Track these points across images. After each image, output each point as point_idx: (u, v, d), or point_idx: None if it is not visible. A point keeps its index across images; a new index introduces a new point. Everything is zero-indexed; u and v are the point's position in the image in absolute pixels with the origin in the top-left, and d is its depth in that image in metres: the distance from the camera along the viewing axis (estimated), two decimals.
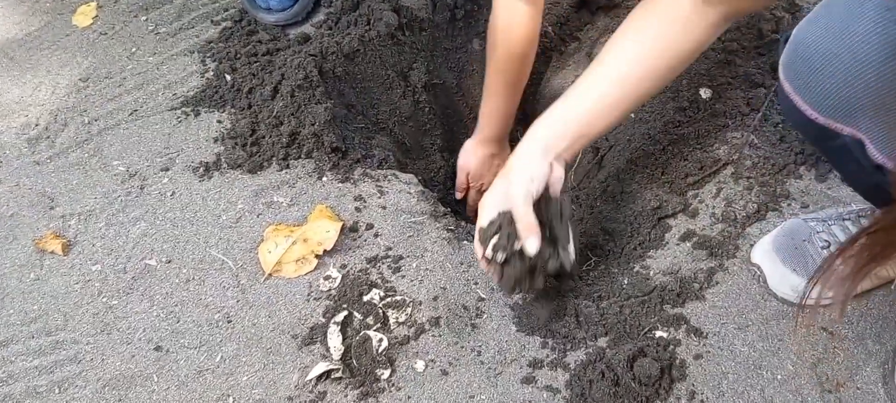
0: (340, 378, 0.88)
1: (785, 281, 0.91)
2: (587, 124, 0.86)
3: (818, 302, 0.83)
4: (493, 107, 1.17)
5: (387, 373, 0.89)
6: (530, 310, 0.95)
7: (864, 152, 0.66)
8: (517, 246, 0.84)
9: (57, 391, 0.91)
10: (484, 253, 0.87)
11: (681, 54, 0.84)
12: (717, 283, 0.95)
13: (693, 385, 0.86)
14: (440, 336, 0.92)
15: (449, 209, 1.16)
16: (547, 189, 0.86)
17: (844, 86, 0.62)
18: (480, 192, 1.29)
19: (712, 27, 0.82)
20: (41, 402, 0.90)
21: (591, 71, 0.87)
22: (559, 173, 0.87)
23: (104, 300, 0.98)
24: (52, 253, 1.03)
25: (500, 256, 0.85)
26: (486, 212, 0.87)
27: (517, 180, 0.84)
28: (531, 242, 0.82)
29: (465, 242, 1.07)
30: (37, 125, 1.19)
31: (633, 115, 1.19)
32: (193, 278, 1.00)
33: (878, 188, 0.70)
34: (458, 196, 1.31)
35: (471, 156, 1.24)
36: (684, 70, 0.90)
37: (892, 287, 0.90)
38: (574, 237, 0.89)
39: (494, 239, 0.85)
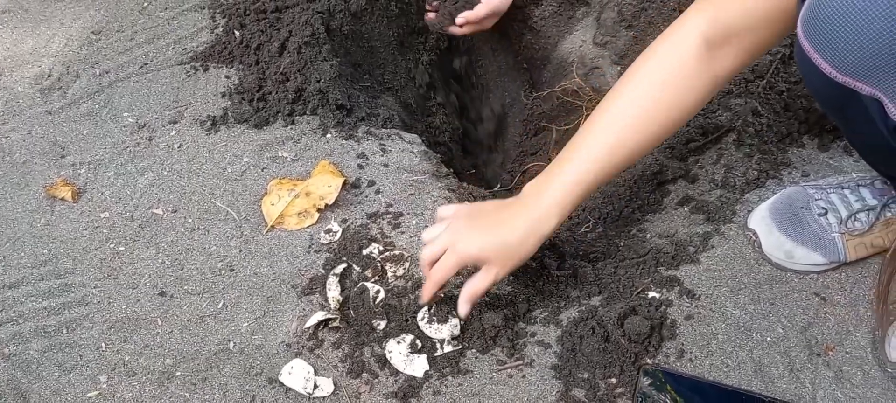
0: (337, 327, 0.89)
1: (779, 247, 0.90)
2: (594, 180, 0.81)
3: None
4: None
5: (383, 324, 0.90)
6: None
7: (882, 113, 0.64)
8: None
9: (65, 331, 0.93)
10: None
11: (683, 110, 0.81)
12: (713, 247, 0.95)
13: (682, 344, 0.86)
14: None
15: (451, 170, 1.16)
16: None
17: (868, 42, 0.60)
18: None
19: (713, 81, 0.79)
20: (49, 341, 0.92)
21: (590, 128, 0.82)
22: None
23: (112, 246, 1.00)
24: (62, 199, 1.05)
25: None
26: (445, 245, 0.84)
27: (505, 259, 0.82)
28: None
29: (466, 202, 1.07)
30: (49, 76, 1.20)
31: None
32: (198, 228, 1.01)
33: (893, 154, 0.68)
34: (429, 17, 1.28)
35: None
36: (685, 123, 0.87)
37: (887, 255, 0.89)
38: None
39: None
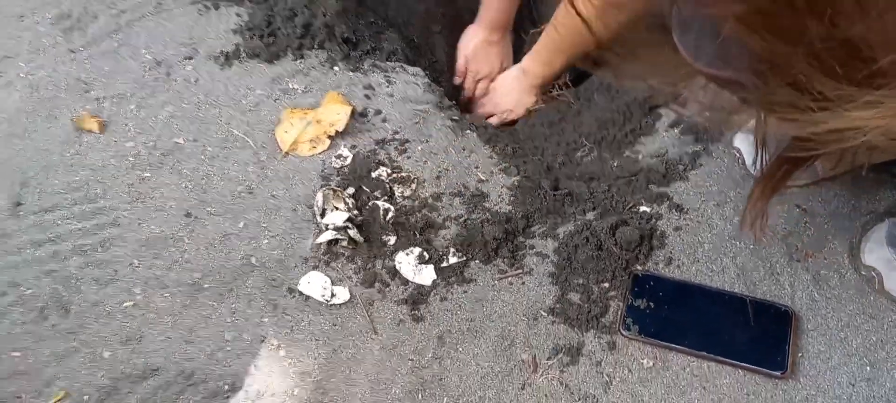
0: (354, 241, 0.95)
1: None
2: (565, 56, 1.08)
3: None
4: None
5: (393, 239, 0.95)
6: None
7: None
8: None
9: (100, 249, 0.99)
10: None
11: None
12: (701, 165, 0.99)
13: (671, 252, 0.91)
14: (441, 208, 0.98)
15: (454, 102, 1.20)
16: None
17: None
18: (476, 80, 1.32)
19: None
20: (86, 259, 0.98)
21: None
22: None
23: (138, 173, 1.05)
24: (89, 131, 1.09)
25: None
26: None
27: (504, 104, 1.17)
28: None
29: (468, 131, 1.11)
30: (70, 16, 1.23)
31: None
32: (218, 155, 1.05)
33: None
34: (456, 81, 1.34)
35: (470, 41, 1.27)
36: None
37: (863, 172, 0.93)
38: None
39: None
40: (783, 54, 0.41)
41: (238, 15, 1.20)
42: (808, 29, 0.38)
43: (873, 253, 0.87)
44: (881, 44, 0.37)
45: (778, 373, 0.79)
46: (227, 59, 1.15)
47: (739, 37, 0.42)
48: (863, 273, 0.87)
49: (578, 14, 0.60)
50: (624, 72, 0.84)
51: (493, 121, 1.26)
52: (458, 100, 1.30)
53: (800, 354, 0.82)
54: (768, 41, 0.40)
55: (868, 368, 0.81)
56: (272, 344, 0.89)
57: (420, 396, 0.85)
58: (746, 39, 0.41)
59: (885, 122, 0.40)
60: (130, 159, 1.06)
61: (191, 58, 1.16)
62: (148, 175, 1.05)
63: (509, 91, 1.24)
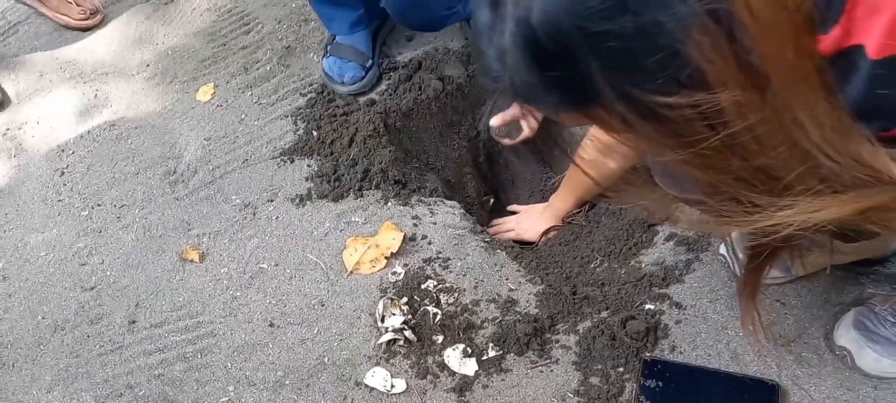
0: (409, 341, 1.14)
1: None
2: (578, 196, 1.32)
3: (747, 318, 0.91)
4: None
5: (441, 338, 1.15)
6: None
7: None
8: None
9: (199, 356, 1.19)
10: None
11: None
12: (694, 270, 1.19)
13: (673, 341, 1.09)
14: (479, 312, 1.18)
15: (485, 228, 1.43)
16: None
17: None
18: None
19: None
20: (188, 364, 1.18)
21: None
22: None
23: (231, 293, 1.28)
24: (191, 261, 1.34)
25: None
26: (504, 231, 1.47)
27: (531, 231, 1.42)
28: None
29: (498, 251, 1.33)
30: (175, 172, 1.53)
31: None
32: (295, 276, 1.28)
33: None
34: (492, 228, 1.54)
35: (534, 224, 1.47)
36: None
37: (826, 271, 1.11)
38: None
39: None
40: (718, 180, 0.59)
41: (309, 165, 1.49)
42: (731, 163, 0.56)
43: (844, 337, 1.03)
44: (782, 167, 0.56)
45: None
46: (302, 200, 1.42)
47: (687, 173, 0.62)
48: (837, 352, 1.03)
49: (580, 167, 0.83)
50: (624, 200, 1.07)
51: (510, 236, 1.48)
52: (488, 228, 1.53)
53: None
54: (706, 173, 0.59)
55: None
56: None
57: None
58: (692, 173, 0.60)
59: (802, 217, 0.58)
60: (224, 282, 1.29)
61: (272, 200, 1.43)
62: (238, 294, 1.27)
63: (536, 220, 1.47)
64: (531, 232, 1.47)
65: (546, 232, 1.45)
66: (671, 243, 1.24)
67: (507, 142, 1.46)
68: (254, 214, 1.41)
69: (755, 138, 0.53)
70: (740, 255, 0.82)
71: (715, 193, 0.62)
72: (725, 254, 1.17)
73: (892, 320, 1.00)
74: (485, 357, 1.11)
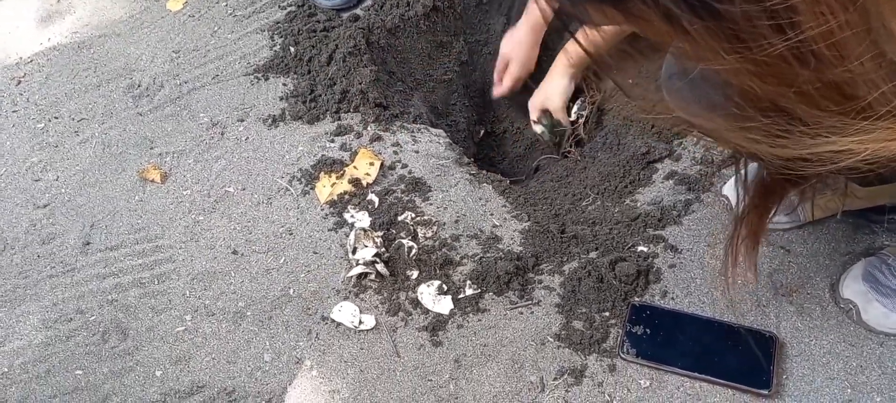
0: (381, 275, 1.05)
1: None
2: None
3: (734, 268, 0.83)
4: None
5: (415, 274, 1.05)
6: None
7: None
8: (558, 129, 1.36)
9: (156, 282, 1.10)
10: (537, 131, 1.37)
11: None
12: (693, 212, 1.08)
13: (666, 286, 1.00)
14: (459, 248, 1.08)
15: (471, 159, 1.32)
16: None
17: None
18: (514, 77, 1.39)
19: None
20: (144, 290, 1.10)
21: None
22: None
23: (193, 217, 1.18)
24: (152, 181, 1.23)
25: (547, 135, 1.37)
26: (534, 111, 1.36)
27: (553, 93, 1.32)
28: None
29: (484, 184, 1.23)
30: (139, 85, 1.40)
31: (629, 79, 1.33)
32: (263, 201, 1.18)
33: None
34: (496, 92, 1.42)
35: (512, 36, 1.36)
36: None
37: (837, 216, 1.01)
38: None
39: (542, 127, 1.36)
40: (776, 94, 0.48)
41: (284, 84, 1.36)
42: (797, 75, 0.45)
43: (851, 288, 0.94)
44: (862, 84, 0.45)
45: (763, 392, 0.85)
46: (274, 120, 1.30)
47: (728, 83, 0.50)
48: (842, 305, 0.94)
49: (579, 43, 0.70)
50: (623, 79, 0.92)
51: (535, 110, 1.37)
52: (477, 158, 1.42)
53: (785, 377, 0.89)
54: (764, 84, 0.47)
55: (849, 390, 0.87)
56: (306, 366, 0.98)
57: None
58: (741, 83, 0.49)
59: (875, 146, 0.48)
60: (187, 205, 1.19)
61: (242, 120, 1.31)
62: (201, 218, 1.17)
63: (550, 80, 1.35)
64: (555, 95, 1.34)
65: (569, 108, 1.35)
66: (671, 182, 1.14)
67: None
68: (222, 134, 1.29)
69: (833, 46, 0.43)
70: (741, 191, 0.71)
71: (764, 110, 0.51)
72: (728, 195, 1.06)
73: None
74: (461, 296, 1.02)
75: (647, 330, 0.93)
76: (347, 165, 1.21)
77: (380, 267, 1.04)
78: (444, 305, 1.01)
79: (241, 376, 0.98)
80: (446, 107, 1.49)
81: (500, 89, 1.42)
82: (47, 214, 1.21)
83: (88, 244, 1.16)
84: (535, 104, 1.38)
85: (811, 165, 0.51)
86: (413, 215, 1.13)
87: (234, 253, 1.12)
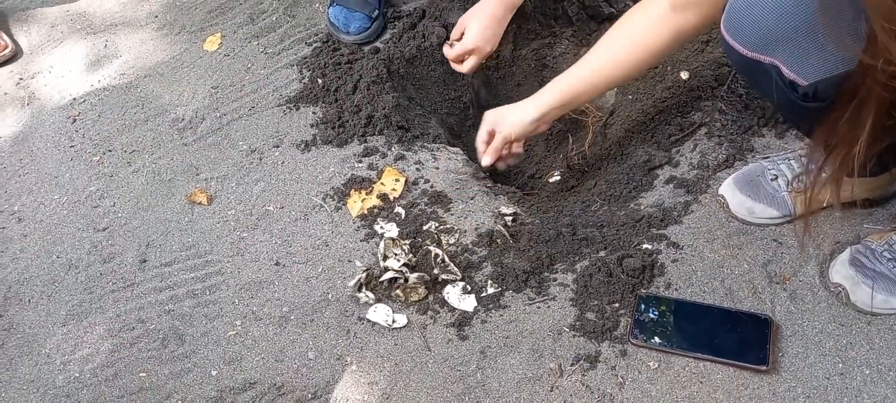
0: (407, 278, 1.14)
1: (742, 206, 1.12)
2: (572, 98, 1.18)
3: (811, 206, 0.91)
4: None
5: (442, 276, 1.15)
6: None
7: (780, 75, 0.87)
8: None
9: (208, 293, 1.21)
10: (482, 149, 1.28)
11: (649, 51, 1.08)
12: (692, 212, 1.17)
13: (669, 279, 1.08)
14: (479, 252, 1.18)
15: (487, 174, 1.42)
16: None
17: (761, 24, 0.83)
18: (465, 49, 1.34)
19: (675, 34, 1.04)
20: (197, 300, 1.20)
21: (581, 59, 1.15)
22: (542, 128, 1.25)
23: (238, 233, 1.28)
24: (199, 203, 1.35)
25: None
26: (484, 126, 1.27)
27: (510, 122, 1.22)
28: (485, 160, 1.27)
29: (500, 195, 1.33)
30: (183, 119, 1.52)
31: (630, 97, 1.43)
32: (300, 217, 1.29)
33: (795, 105, 0.90)
34: (447, 50, 1.37)
35: (475, 9, 1.29)
36: (655, 63, 1.15)
37: (833, 209, 1.09)
38: None
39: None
40: None
41: (314, 112, 1.48)
42: None
43: (839, 273, 1.02)
44: None
45: (761, 367, 0.93)
46: (307, 145, 1.41)
47: None
48: (831, 289, 1.02)
49: None
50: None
51: (495, 141, 1.24)
52: (491, 174, 1.52)
53: (781, 354, 0.97)
54: None
55: (841, 364, 0.95)
56: (346, 362, 1.08)
57: (467, 399, 1.01)
58: None
59: None
60: (231, 224, 1.30)
61: (278, 146, 1.43)
62: (245, 235, 1.28)
63: (516, 109, 1.22)
64: (516, 123, 1.20)
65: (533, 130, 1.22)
66: (670, 186, 1.23)
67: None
68: (260, 159, 1.41)
69: None
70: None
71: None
72: (724, 194, 1.15)
73: (889, 256, 0.98)
74: (484, 294, 1.11)
75: (654, 318, 1.02)
76: (375, 182, 1.31)
77: (409, 274, 1.14)
78: (469, 303, 1.10)
79: (288, 372, 1.08)
80: (462, 128, 1.59)
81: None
82: (107, 236, 1.32)
83: (145, 261, 1.27)
84: (486, 120, 1.24)
85: None
86: (437, 224, 1.23)
87: (277, 264, 1.22)
